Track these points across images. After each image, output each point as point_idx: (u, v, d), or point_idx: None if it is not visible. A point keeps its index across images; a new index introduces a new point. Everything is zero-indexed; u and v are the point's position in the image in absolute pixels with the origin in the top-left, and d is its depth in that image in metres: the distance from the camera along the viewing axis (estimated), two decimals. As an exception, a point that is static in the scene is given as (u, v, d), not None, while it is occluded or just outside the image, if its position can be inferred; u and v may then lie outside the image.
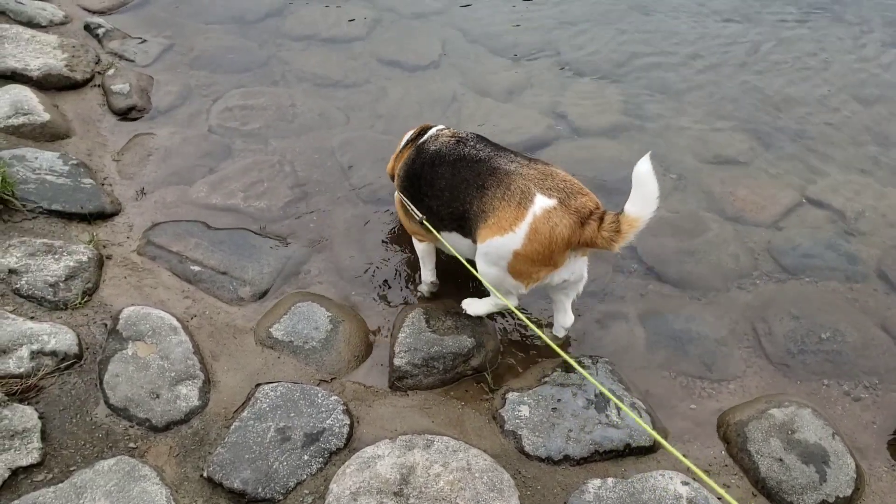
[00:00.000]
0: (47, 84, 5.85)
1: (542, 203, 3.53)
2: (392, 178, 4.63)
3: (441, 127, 4.35)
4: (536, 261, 3.64)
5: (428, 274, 4.47)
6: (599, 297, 4.65)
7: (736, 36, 7.38)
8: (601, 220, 3.50)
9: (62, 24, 6.71)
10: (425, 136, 4.21)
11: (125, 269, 4.59)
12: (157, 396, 3.72)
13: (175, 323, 4.16)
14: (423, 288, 4.52)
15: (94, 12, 7.06)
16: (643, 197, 3.33)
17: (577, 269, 3.83)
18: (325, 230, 5.04)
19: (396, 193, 4.32)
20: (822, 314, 4.54)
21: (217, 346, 4.18)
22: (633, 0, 7.93)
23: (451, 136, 4.06)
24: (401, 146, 4.50)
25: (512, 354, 4.28)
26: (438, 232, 4.09)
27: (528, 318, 3.99)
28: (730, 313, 4.58)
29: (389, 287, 4.67)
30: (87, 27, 6.72)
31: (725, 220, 5.24)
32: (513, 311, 3.91)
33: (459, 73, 6.76)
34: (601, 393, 3.88)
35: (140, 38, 6.76)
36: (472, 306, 4.27)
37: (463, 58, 6.96)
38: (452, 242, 4.06)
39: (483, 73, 6.75)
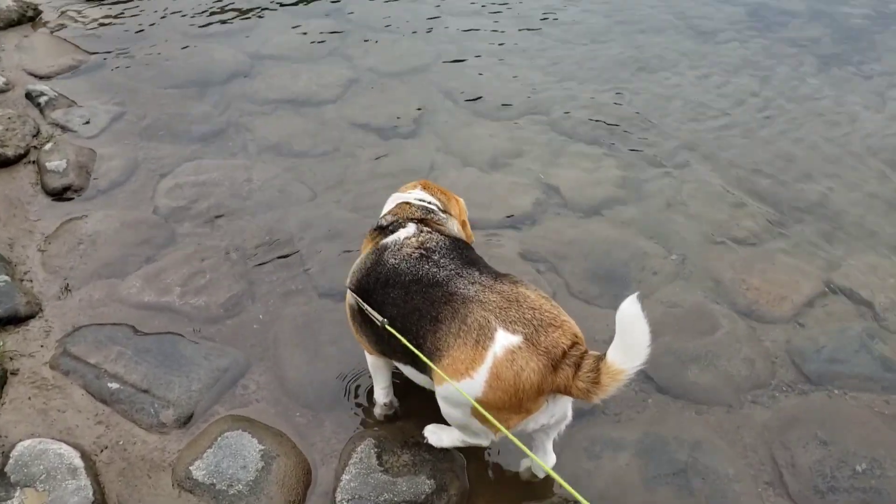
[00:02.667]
0: (-29, 161, 5.25)
1: (503, 341, 2.90)
2: None
3: (406, 198, 3.71)
4: (504, 408, 2.99)
5: (381, 394, 3.79)
6: (589, 416, 3.93)
7: (746, 93, 6.72)
8: (577, 365, 2.86)
9: (1, 91, 6.11)
10: (388, 238, 3.51)
11: (32, 387, 3.93)
12: (33, 571, 3.02)
13: (77, 462, 3.48)
14: (377, 411, 3.83)
15: (40, 77, 6.50)
16: (629, 346, 2.72)
17: (557, 411, 3.16)
18: (270, 333, 4.36)
19: (348, 293, 3.65)
20: (855, 438, 3.80)
21: (126, 489, 3.50)
22: (632, 57, 7.29)
23: (417, 248, 3.38)
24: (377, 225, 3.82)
25: (484, 498, 3.55)
26: (390, 360, 3.50)
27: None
28: (744, 436, 3.84)
29: (343, 405, 3.97)
30: (29, 95, 6.15)
31: (738, 315, 4.52)
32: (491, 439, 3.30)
33: (439, 138, 6.12)
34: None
35: (86, 105, 6.16)
36: (436, 435, 3.56)
37: (444, 120, 6.32)
38: (411, 375, 3.47)
39: (466, 139, 6.11)
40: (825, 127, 6.23)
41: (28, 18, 7.38)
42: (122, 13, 7.76)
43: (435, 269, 3.23)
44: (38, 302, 4.43)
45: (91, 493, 3.35)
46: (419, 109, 6.43)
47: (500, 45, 7.47)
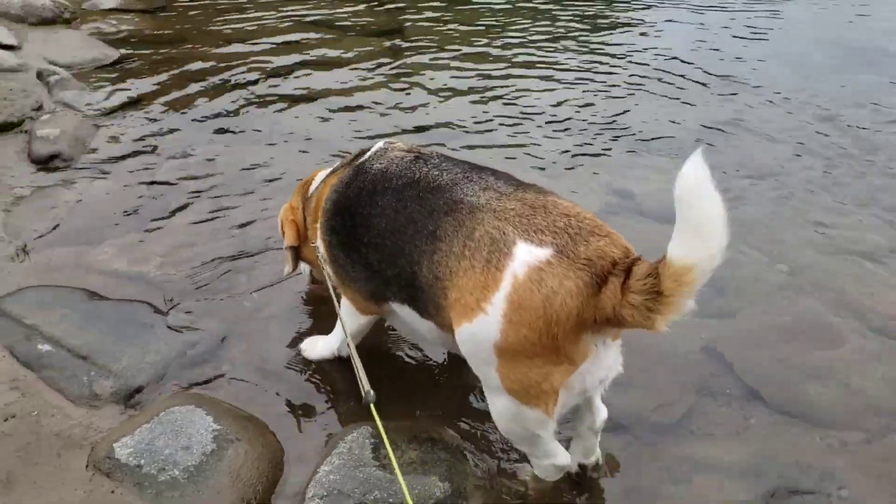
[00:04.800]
0: (-48, 122, 4.56)
1: (525, 256, 2.01)
2: (294, 248, 3.16)
3: (393, 140, 2.80)
4: (535, 354, 2.04)
5: (335, 342, 3.06)
6: (675, 432, 2.86)
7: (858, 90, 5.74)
8: (627, 275, 1.91)
9: (11, 70, 5.51)
10: (367, 154, 2.72)
11: (-58, 344, 3.04)
12: None
13: (-37, 423, 2.53)
14: (319, 354, 3.12)
15: (59, 65, 5.87)
16: (696, 227, 1.76)
17: (610, 362, 2.20)
18: (261, 311, 3.42)
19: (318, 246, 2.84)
20: None
21: (23, 467, 2.54)
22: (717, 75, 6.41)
23: (409, 151, 2.60)
24: (317, 181, 3.02)
25: (515, 517, 2.49)
26: (387, 303, 2.61)
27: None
28: (886, 472, 2.70)
29: (338, 396, 2.98)
30: (40, 74, 5.54)
31: (869, 331, 3.42)
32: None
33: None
34: None
35: (101, 90, 5.51)
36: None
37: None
38: (410, 323, 2.56)
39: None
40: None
41: (64, 20, 6.93)
42: (163, 21, 7.27)
43: (436, 172, 2.39)
44: (-15, 260, 3.60)
45: (-33, 461, 2.40)
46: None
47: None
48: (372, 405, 2.33)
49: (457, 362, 2.97)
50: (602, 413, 2.49)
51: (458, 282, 2.12)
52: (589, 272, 1.94)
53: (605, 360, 2.13)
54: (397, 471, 2.11)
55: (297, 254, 3.16)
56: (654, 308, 1.86)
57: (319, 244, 2.78)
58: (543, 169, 4.81)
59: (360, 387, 2.41)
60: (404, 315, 2.52)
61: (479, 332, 2.07)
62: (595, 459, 2.59)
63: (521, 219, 2.09)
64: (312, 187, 3.01)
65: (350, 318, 2.81)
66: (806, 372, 3.17)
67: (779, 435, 2.86)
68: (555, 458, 2.40)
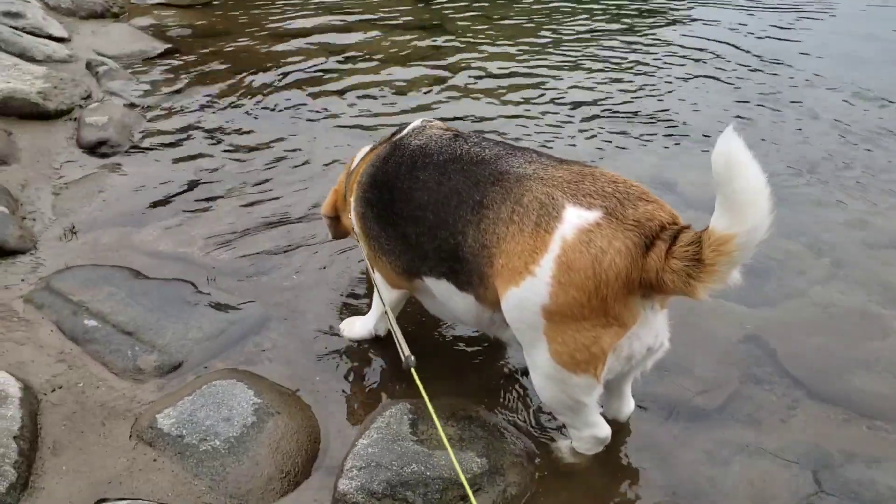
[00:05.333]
0: (7, 109, 4.68)
1: (575, 219, 2.01)
2: (331, 218, 3.27)
3: (430, 119, 2.82)
4: (585, 317, 2.03)
5: (371, 322, 3.07)
6: (717, 417, 2.82)
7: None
8: (673, 240, 1.92)
9: (63, 61, 5.63)
10: (405, 131, 2.76)
11: (-5, 317, 3.11)
12: None
13: (12, 391, 2.61)
14: (356, 334, 3.14)
15: (108, 56, 5.98)
16: (736, 199, 1.77)
17: (659, 329, 2.20)
18: (303, 291, 3.45)
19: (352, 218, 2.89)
20: None
21: (69, 435, 2.58)
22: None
23: (446, 129, 2.64)
24: (358, 158, 3.04)
25: (554, 495, 2.47)
26: (420, 279, 2.60)
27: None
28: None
29: (379, 374, 2.99)
30: (89, 65, 5.65)
31: (919, 321, 3.35)
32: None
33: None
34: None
35: (148, 80, 5.60)
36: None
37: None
38: (446, 299, 2.53)
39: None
40: None
41: (112, 14, 7.08)
42: (209, 14, 7.38)
43: (478, 149, 2.40)
44: (35, 239, 3.68)
45: (18, 426, 2.47)
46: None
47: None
48: (413, 369, 2.35)
49: (493, 341, 2.98)
50: (630, 404, 2.52)
51: (506, 247, 2.13)
52: (638, 233, 1.95)
53: (654, 325, 2.13)
54: (442, 435, 2.12)
55: (336, 223, 3.25)
56: (695, 275, 1.87)
57: (353, 216, 2.80)
58: (583, 159, 4.79)
59: (400, 352, 2.43)
60: (440, 290, 2.52)
61: (528, 295, 2.07)
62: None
63: (569, 184, 2.10)
64: (354, 163, 3.04)
65: (384, 290, 2.82)
66: (852, 361, 3.11)
67: (823, 423, 2.81)
68: (596, 429, 2.39)
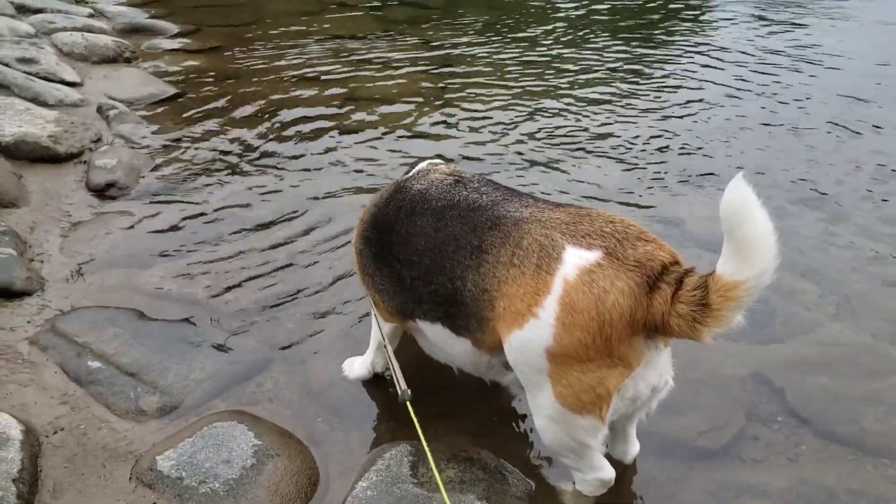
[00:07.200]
0: (18, 152, 4.74)
1: (575, 260, 2.02)
2: None
3: (437, 161, 2.85)
4: (590, 358, 2.03)
5: (369, 361, 3.08)
6: (722, 457, 2.80)
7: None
8: (679, 284, 1.91)
9: (74, 105, 5.72)
10: (411, 173, 2.79)
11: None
12: None
13: (14, 433, 2.62)
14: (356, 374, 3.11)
15: (119, 100, 6.07)
16: (744, 245, 1.78)
17: (663, 368, 2.19)
18: (306, 333, 3.46)
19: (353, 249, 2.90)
20: None
21: (70, 477, 2.58)
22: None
23: (449, 175, 2.63)
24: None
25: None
26: (413, 321, 2.60)
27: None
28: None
29: (381, 416, 2.98)
30: (100, 108, 5.74)
31: (927, 361, 3.32)
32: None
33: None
34: None
35: (158, 125, 5.67)
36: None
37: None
38: (440, 343, 2.52)
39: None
40: None
41: (125, 59, 7.18)
42: (222, 58, 7.49)
43: (476, 195, 2.42)
44: (42, 281, 3.71)
45: (17, 468, 2.47)
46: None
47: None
48: (408, 403, 2.34)
49: (492, 382, 2.97)
50: (635, 446, 2.50)
51: (508, 290, 2.13)
52: (639, 273, 1.95)
53: (658, 364, 2.12)
54: (439, 481, 2.10)
55: None
56: (701, 320, 1.87)
57: (353, 251, 2.82)
58: (592, 198, 4.80)
59: (397, 385, 2.43)
60: (435, 334, 2.52)
61: (531, 337, 2.07)
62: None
63: (567, 226, 2.12)
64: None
65: (382, 323, 2.84)
66: (859, 400, 3.07)
67: (830, 462, 2.77)
68: (601, 472, 2.37)
